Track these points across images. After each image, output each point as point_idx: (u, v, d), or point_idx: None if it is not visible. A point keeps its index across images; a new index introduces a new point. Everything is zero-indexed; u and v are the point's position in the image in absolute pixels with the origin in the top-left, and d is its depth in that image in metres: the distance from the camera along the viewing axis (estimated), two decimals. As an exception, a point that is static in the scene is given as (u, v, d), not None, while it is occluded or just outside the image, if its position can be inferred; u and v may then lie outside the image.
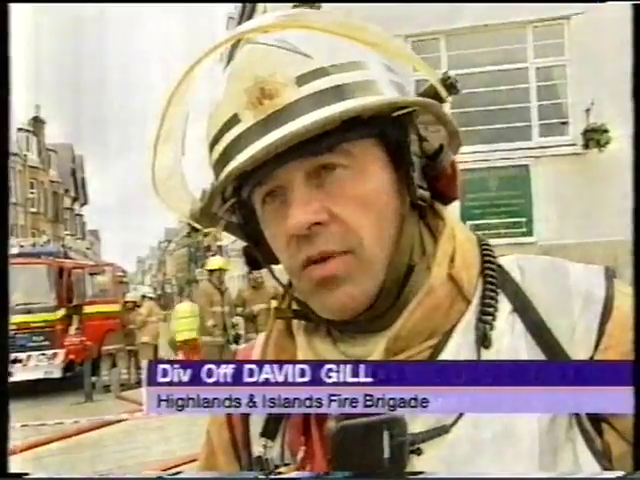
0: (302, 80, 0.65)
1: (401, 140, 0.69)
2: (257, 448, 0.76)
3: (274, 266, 0.78)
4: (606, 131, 7.96)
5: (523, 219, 8.45)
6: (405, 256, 0.70)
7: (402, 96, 0.70)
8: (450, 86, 0.71)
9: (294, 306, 0.78)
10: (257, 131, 0.65)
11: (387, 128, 0.69)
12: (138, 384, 12.70)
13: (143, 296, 13.68)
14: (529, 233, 8.38)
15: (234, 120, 0.67)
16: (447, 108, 0.72)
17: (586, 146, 8.13)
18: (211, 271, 9.42)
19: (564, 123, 8.62)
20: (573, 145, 8.35)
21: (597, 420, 0.66)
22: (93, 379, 11.90)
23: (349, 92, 0.66)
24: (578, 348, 0.67)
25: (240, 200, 0.74)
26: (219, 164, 0.70)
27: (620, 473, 0.64)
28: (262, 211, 0.71)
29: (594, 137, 8.03)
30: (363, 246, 0.67)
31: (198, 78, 0.71)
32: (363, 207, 0.67)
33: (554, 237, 7.88)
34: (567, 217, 8.11)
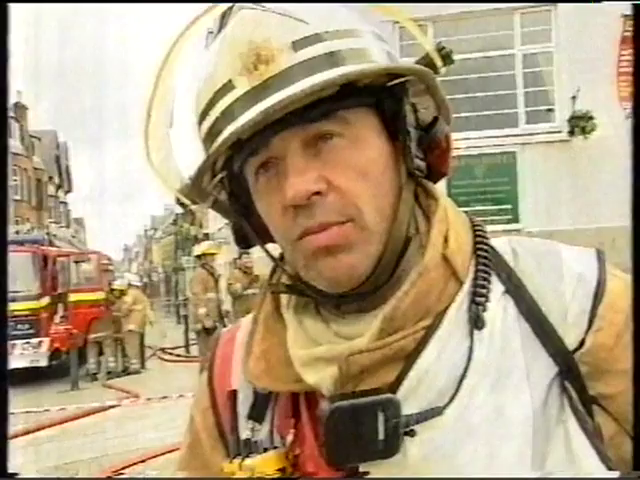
0: (298, 45, 0.64)
1: (397, 109, 0.68)
2: (245, 431, 0.75)
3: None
4: (591, 118, 7.99)
5: (509, 206, 8.49)
6: (403, 226, 0.69)
7: (399, 63, 0.70)
8: (445, 56, 0.70)
9: (285, 281, 0.76)
10: (253, 97, 0.64)
11: (382, 97, 0.68)
12: (124, 372, 12.70)
13: (129, 284, 13.60)
14: (515, 220, 8.42)
15: (228, 87, 0.65)
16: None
17: (572, 133, 8.16)
18: (202, 256, 9.22)
19: (550, 110, 8.65)
20: (559, 132, 8.38)
21: (588, 402, 0.67)
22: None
23: (343, 59, 0.65)
24: (570, 330, 0.67)
25: (231, 173, 0.72)
26: (211, 133, 0.68)
27: (617, 473, 0.64)
28: (255, 183, 0.70)
29: (579, 124, 8.06)
30: (362, 215, 0.66)
31: (189, 46, 0.69)
32: (361, 176, 0.66)
33: (540, 224, 7.93)
34: (553, 204, 8.16)
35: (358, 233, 0.66)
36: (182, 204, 0.83)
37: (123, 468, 5.79)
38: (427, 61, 0.70)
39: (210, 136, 0.68)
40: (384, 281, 0.69)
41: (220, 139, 0.65)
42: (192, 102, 0.71)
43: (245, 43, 0.65)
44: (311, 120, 0.64)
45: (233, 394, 0.78)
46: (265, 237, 0.74)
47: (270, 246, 0.76)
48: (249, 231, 0.76)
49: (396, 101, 0.68)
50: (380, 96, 0.68)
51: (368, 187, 0.66)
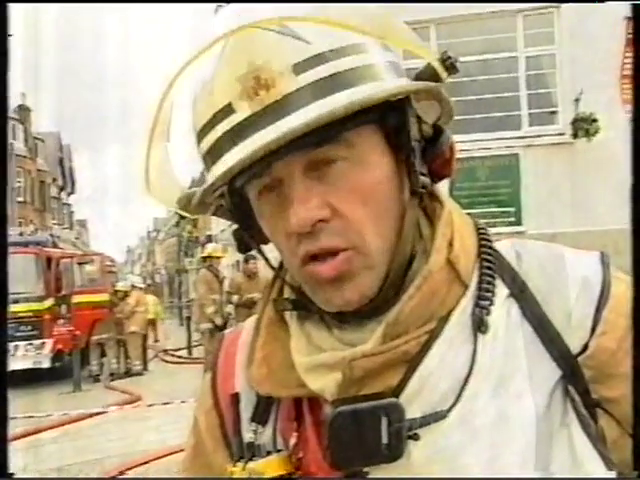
0: (300, 68, 0.61)
1: (401, 124, 0.67)
2: (248, 434, 0.74)
3: (265, 247, 0.76)
4: (595, 120, 7.99)
5: (512, 208, 8.49)
6: (407, 245, 0.69)
7: (406, 84, 0.68)
8: (450, 66, 0.69)
9: (287, 292, 0.76)
10: (254, 123, 0.62)
11: (387, 113, 0.66)
12: (127, 374, 12.71)
13: (132, 286, 13.62)
14: (518, 222, 8.42)
15: (228, 110, 0.64)
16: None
17: (575, 135, 8.16)
18: (209, 258, 9.38)
19: (553, 112, 8.65)
20: (562, 134, 8.38)
21: (592, 405, 0.66)
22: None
23: (350, 80, 0.63)
24: (574, 334, 0.67)
25: (232, 187, 0.71)
26: (211, 154, 0.67)
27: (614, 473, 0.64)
28: (258, 203, 0.69)
29: (583, 126, 8.06)
30: (365, 241, 0.65)
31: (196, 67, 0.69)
32: (364, 200, 0.65)
33: (543, 226, 7.92)
34: (556, 206, 8.15)
35: (361, 260, 0.65)
36: (182, 216, 0.83)
37: (125, 470, 5.78)
38: (431, 71, 0.68)
39: (210, 157, 0.67)
40: (391, 295, 0.68)
41: (221, 168, 0.64)
42: (189, 110, 0.70)
43: (244, 64, 0.62)
44: (316, 145, 0.63)
45: (236, 397, 0.78)
46: (266, 241, 0.74)
47: (269, 250, 0.76)
48: (250, 240, 0.76)
49: (401, 115, 0.66)
50: (385, 111, 0.65)
51: (372, 211, 0.65)
